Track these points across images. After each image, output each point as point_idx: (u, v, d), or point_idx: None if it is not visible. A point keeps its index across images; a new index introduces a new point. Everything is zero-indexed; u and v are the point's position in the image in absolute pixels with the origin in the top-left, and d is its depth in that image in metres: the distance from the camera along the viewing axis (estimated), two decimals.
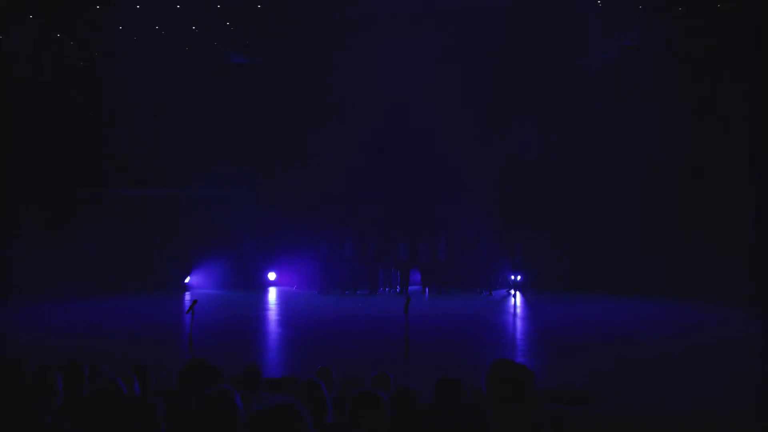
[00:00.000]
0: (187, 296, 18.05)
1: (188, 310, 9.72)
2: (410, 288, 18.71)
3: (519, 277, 17.89)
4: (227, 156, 18.71)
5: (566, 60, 18.37)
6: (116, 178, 19.15)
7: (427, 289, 18.75)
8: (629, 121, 17.80)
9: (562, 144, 18.44)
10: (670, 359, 10.44)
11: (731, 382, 8.82)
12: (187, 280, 19.61)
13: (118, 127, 18.68)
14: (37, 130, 18.25)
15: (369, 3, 17.23)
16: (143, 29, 17.63)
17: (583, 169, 17.90)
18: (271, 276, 20.10)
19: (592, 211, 18.32)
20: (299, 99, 19.39)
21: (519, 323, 14.36)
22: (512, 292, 17.72)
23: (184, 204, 19.51)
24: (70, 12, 16.85)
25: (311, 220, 19.03)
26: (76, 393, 5.18)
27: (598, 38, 17.74)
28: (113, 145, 18.52)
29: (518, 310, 15.60)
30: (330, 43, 18.22)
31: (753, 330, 13.10)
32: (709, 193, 16.84)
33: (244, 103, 19.61)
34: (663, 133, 17.66)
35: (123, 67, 18.63)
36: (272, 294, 18.89)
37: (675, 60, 17.42)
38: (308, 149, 19.43)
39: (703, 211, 16.90)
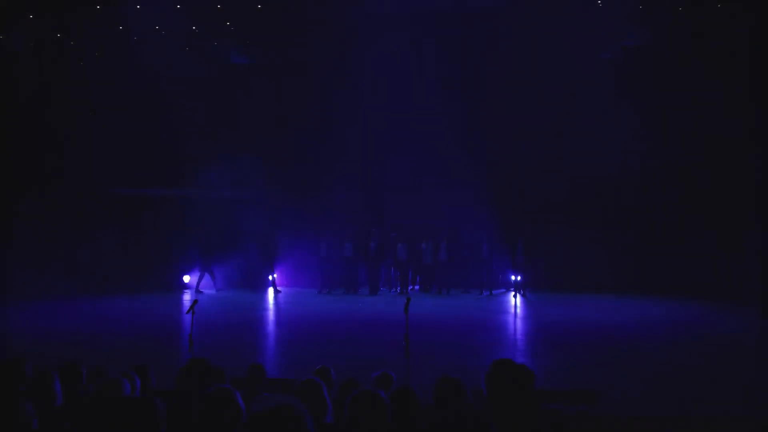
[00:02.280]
0: (186, 296, 18.04)
1: (188, 310, 9.70)
2: (410, 288, 18.72)
3: (519, 277, 17.88)
4: (227, 156, 18.72)
5: (568, 59, 18.30)
6: (115, 178, 19.12)
7: (420, 288, 18.78)
8: (630, 121, 17.78)
9: (563, 144, 18.43)
10: (670, 359, 10.44)
11: (731, 382, 8.82)
12: (186, 280, 19.58)
13: (117, 127, 18.64)
14: (36, 130, 18.22)
15: (369, 3, 17.21)
16: (143, 29, 17.61)
17: (584, 169, 17.89)
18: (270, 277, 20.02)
19: (593, 212, 18.31)
20: (299, 99, 19.35)
21: (519, 323, 14.35)
22: (514, 292, 17.70)
23: (183, 204, 19.47)
24: (69, 12, 16.84)
25: (311, 219, 19.01)
26: (75, 393, 5.17)
27: (599, 38, 17.72)
28: (112, 145, 18.48)
29: (518, 310, 15.59)
30: (330, 43, 18.20)
31: (753, 330, 13.10)
32: (709, 193, 16.82)
33: (244, 103, 19.58)
34: (664, 132, 17.62)
35: (121, 66, 18.58)
36: (272, 294, 18.85)
37: (675, 60, 17.42)
38: (308, 150, 19.43)
39: (704, 211, 16.88)
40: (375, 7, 17.17)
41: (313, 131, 19.38)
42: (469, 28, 17.88)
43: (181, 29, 17.93)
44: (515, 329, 13.77)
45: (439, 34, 17.76)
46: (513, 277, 18.01)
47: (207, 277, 19.13)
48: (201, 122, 18.82)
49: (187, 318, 9.97)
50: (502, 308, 16.27)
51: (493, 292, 18.34)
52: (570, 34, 17.35)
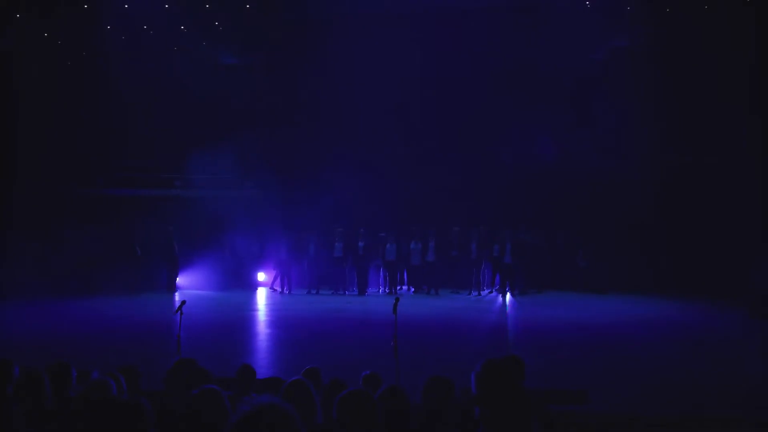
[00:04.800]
0: (176, 296, 17.95)
1: (176, 311, 9.65)
2: (398, 288, 18.66)
3: (508, 278, 17.87)
4: (215, 155, 18.66)
5: (560, 60, 18.30)
6: (108, 178, 19.04)
7: (412, 289, 18.78)
8: (625, 121, 17.76)
9: (560, 144, 18.44)
10: (667, 359, 10.45)
11: (729, 382, 8.83)
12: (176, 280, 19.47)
13: (115, 126, 18.56)
14: (32, 130, 18.12)
15: (366, 3, 17.22)
16: (132, 29, 17.55)
17: (577, 168, 17.89)
18: (261, 276, 19.96)
19: (586, 211, 18.25)
20: (287, 99, 19.29)
21: (509, 323, 14.35)
22: (503, 293, 17.71)
23: (175, 204, 19.34)
24: (61, 11, 16.80)
25: (302, 220, 18.94)
26: (63, 394, 5.14)
27: (589, 39, 17.73)
28: (106, 145, 18.41)
29: (508, 311, 15.58)
30: (324, 44, 18.15)
31: (751, 330, 13.13)
32: (708, 193, 16.82)
33: (233, 102, 19.49)
34: (665, 133, 17.63)
35: (116, 66, 18.47)
36: (261, 294, 18.78)
37: (674, 60, 17.45)
38: (300, 150, 19.39)
39: (702, 211, 16.87)
40: (372, 7, 17.19)
41: (302, 132, 19.33)
42: (467, 26, 17.89)
43: (170, 29, 17.88)
44: (505, 329, 13.76)
45: (433, 34, 17.76)
46: (502, 278, 18.01)
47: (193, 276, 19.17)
48: (192, 122, 18.76)
49: (176, 318, 9.93)
50: (491, 309, 16.25)
51: (482, 292, 18.35)
52: (569, 34, 17.30)
